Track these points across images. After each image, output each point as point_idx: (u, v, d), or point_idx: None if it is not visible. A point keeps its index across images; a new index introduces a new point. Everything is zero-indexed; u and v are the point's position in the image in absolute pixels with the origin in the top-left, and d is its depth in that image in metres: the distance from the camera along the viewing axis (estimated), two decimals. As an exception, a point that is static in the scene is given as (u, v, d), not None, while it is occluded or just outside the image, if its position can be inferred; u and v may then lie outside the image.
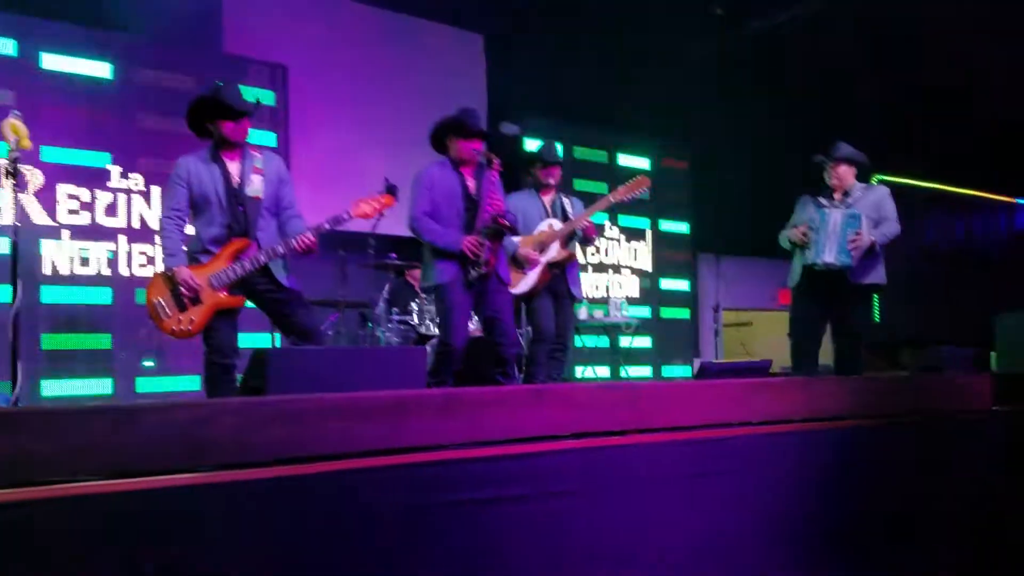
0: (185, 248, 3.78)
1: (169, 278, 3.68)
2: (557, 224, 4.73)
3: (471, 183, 4.18)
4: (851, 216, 4.55)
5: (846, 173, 4.77)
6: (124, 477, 1.80)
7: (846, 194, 4.77)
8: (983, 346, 4.06)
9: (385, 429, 2.09)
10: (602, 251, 8.29)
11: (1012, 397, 3.45)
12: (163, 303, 3.65)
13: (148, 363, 5.43)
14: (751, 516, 2.73)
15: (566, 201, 4.90)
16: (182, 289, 3.64)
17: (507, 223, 4.07)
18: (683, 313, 8.90)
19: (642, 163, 8.57)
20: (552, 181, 4.81)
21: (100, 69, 5.78)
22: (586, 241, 4.89)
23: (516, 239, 4.60)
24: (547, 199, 4.83)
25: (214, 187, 3.77)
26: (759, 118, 8.18)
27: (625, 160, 8.51)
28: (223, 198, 3.77)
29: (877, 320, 10.51)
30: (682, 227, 8.88)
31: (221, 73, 5.82)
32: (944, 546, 3.15)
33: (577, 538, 2.37)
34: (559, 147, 5.06)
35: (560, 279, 4.72)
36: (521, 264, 4.61)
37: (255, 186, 3.81)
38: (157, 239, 5.66)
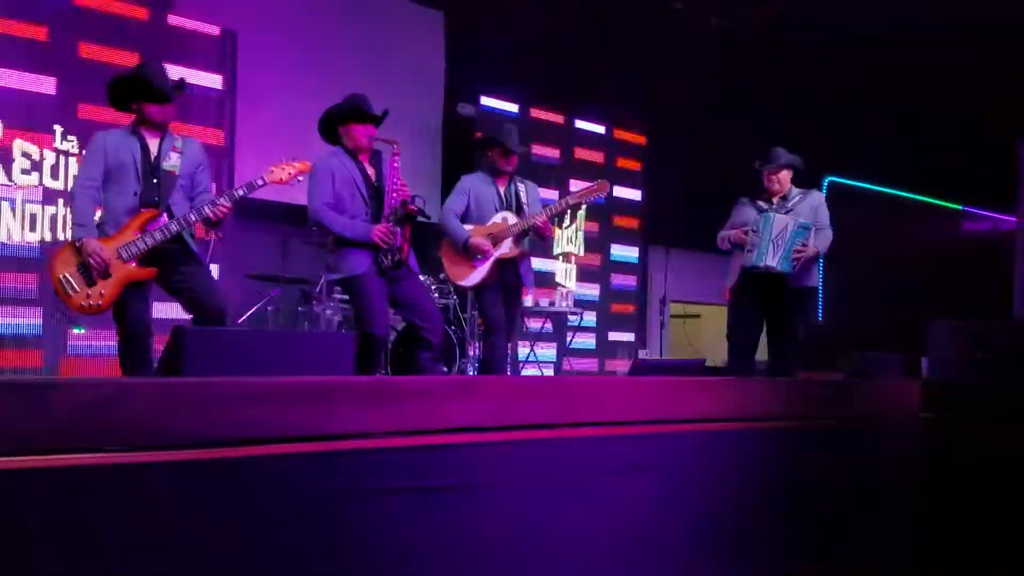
0: (96, 219, 3.65)
1: (77, 250, 3.53)
2: (512, 218, 4.61)
3: (370, 171, 4.11)
4: (802, 227, 4.63)
5: (785, 178, 4.87)
6: (31, 455, 1.74)
7: (784, 198, 4.86)
8: (919, 352, 4.13)
9: (308, 415, 2.05)
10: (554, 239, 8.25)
11: (939, 405, 3.52)
12: (69, 278, 3.51)
13: (77, 329, 5.28)
14: (678, 512, 2.75)
15: (521, 187, 4.78)
16: (91, 261, 3.49)
17: (416, 208, 4.04)
18: (630, 305, 8.93)
19: (599, 128, 8.56)
20: (510, 169, 4.71)
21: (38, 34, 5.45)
22: (540, 239, 4.80)
23: (468, 227, 4.53)
24: (502, 186, 4.71)
25: (132, 156, 3.67)
26: (716, 114, 8.24)
27: (581, 123, 8.47)
28: (139, 168, 3.67)
29: (819, 320, 10.75)
30: (633, 223, 8.88)
31: (167, 41, 5.67)
32: (866, 547, 3.22)
33: (501, 530, 2.37)
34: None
35: (511, 270, 4.63)
36: (471, 255, 4.52)
37: (172, 161, 3.73)
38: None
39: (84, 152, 3.67)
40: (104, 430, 1.84)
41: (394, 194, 4.00)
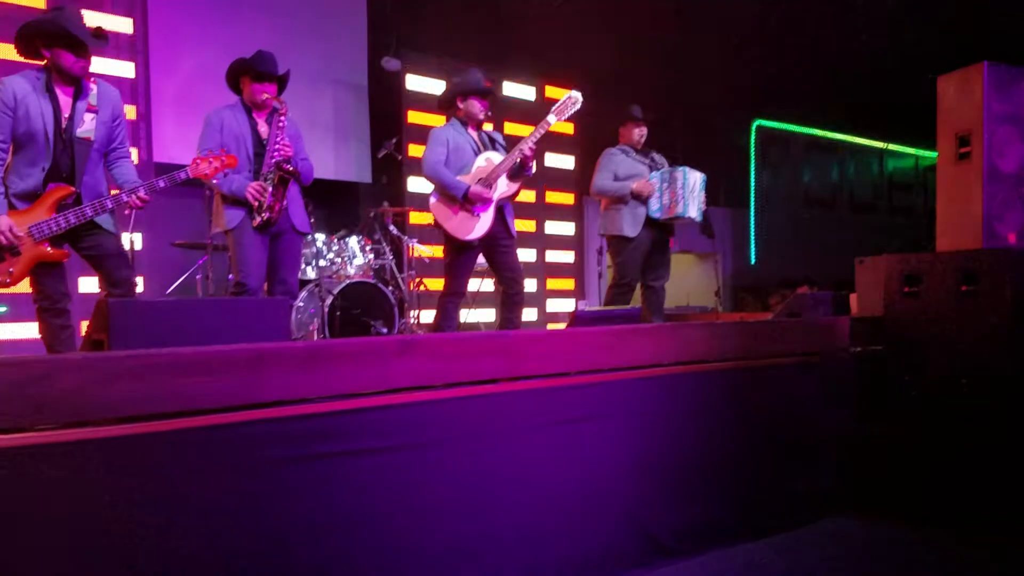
0: (3, 189, 3.41)
1: None
2: (496, 157, 4.46)
3: (263, 128, 4.03)
4: (704, 179, 5.07)
5: (645, 130, 5.32)
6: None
7: (645, 148, 5.31)
8: (848, 289, 4.24)
9: (241, 383, 2.00)
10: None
11: (867, 339, 3.63)
12: None
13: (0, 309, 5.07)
14: (624, 459, 2.79)
15: (491, 133, 4.67)
16: (1, 239, 3.32)
17: (291, 168, 3.95)
18: (568, 256, 8.97)
19: (528, 92, 8.46)
20: (486, 117, 4.56)
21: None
22: (523, 170, 4.47)
23: (465, 179, 4.39)
24: (475, 133, 4.56)
25: (42, 123, 3.44)
26: (648, 63, 8.23)
27: (510, 90, 8.37)
28: (51, 137, 3.45)
29: (751, 262, 10.97)
30: (568, 163, 8.85)
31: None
32: (805, 478, 3.32)
33: (450, 487, 2.36)
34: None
35: (498, 221, 4.46)
36: (471, 205, 4.36)
37: (87, 126, 3.54)
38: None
39: None
40: (33, 409, 1.78)
41: (275, 153, 3.93)
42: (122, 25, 5.82)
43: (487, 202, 4.39)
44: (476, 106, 4.53)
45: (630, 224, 5.07)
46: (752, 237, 11.08)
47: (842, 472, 3.44)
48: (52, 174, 3.47)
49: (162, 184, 3.51)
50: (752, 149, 11.20)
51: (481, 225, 4.38)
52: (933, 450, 3.30)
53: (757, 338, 3.26)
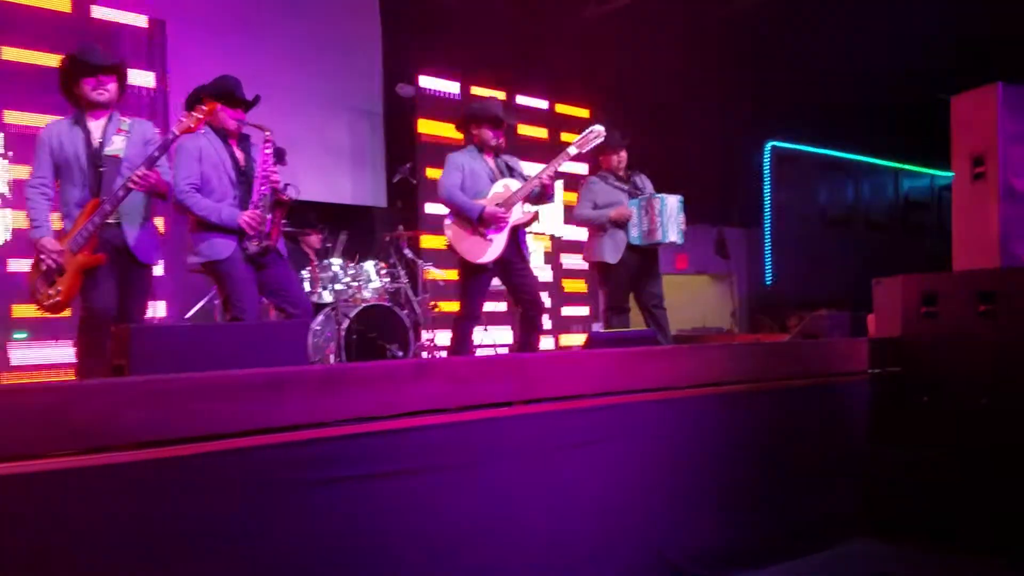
0: (53, 215, 3.70)
1: (39, 252, 3.62)
2: (514, 184, 4.51)
3: (239, 154, 3.97)
4: (681, 201, 5.16)
5: (624, 156, 5.35)
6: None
7: (628, 174, 5.36)
8: (866, 310, 4.21)
9: (259, 408, 2.02)
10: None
11: (885, 360, 3.60)
12: (36, 283, 3.60)
13: (19, 335, 5.13)
14: (639, 482, 2.77)
15: (506, 158, 4.70)
16: (46, 262, 3.56)
17: (288, 196, 3.93)
18: (581, 280, 8.96)
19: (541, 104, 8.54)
20: (501, 141, 4.62)
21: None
22: (542, 198, 4.58)
23: (481, 202, 4.42)
24: (491, 160, 4.62)
25: (75, 149, 3.69)
26: (659, 81, 8.27)
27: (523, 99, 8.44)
28: (84, 160, 3.68)
29: (768, 283, 10.93)
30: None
31: (92, 33, 5.52)
32: (822, 502, 3.29)
33: (464, 510, 2.36)
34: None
35: (511, 244, 4.50)
36: (485, 226, 4.39)
37: (116, 145, 3.74)
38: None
39: (35, 149, 3.74)
40: (54, 435, 1.80)
41: (264, 181, 3.89)
42: (144, 79, 5.96)
43: (501, 225, 4.41)
44: (488, 134, 4.58)
45: (611, 251, 5.15)
46: (767, 257, 11.05)
47: (860, 495, 3.41)
48: (92, 194, 3.68)
49: (157, 154, 3.63)
50: (766, 169, 11.19)
51: (494, 248, 4.41)
52: (952, 472, 3.26)
53: (774, 360, 3.25)
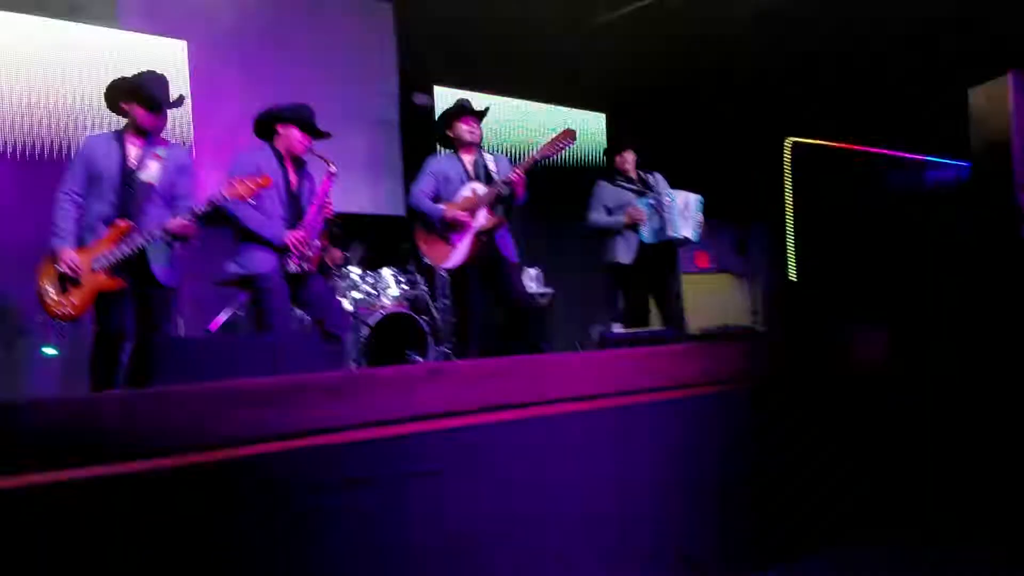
0: (77, 226, 3.72)
1: (55, 259, 3.64)
2: (481, 188, 4.42)
3: (293, 177, 4.06)
4: (700, 200, 5.14)
5: (632, 158, 5.39)
6: (4, 475, 1.74)
7: (638, 176, 5.37)
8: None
9: (274, 414, 2.06)
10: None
11: (904, 357, 3.58)
12: (47, 287, 3.63)
13: (50, 351, 5.21)
14: (657, 480, 2.77)
15: (489, 159, 4.60)
16: (63, 269, 3.60)
17: (337, 231, 4.11)
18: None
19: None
20: (473, 138, 4.54)
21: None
22: (513, 199, 4.43)
23: (441, 205, 4.40)
24: (468, 159, 4.55)
25: (107, 164, 3.74)
26: (670, 85, 8.26)
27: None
28: (115, 176, 3.74)
29: (792, 282, 10.83)
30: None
31: (116, 52, 5.63)
32: (833, 498, 3.27)
33: (483, 511, 2.38)
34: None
35: (489, 246, 4.42)
36: (448, 231, 4.36)
37: (150, 172, 3.79)
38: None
39: (72, 159, 3.82)
40: (77, 446, 1.85)
41: (320, 211, 3.99)
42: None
43: (464, 229, 4.39)
44: (461, 128, 4.55)
45: (624, 251, 5.18)
46: (791, 255, 10.95)
47: (868, 492, 3.37)
48: (117, 213, 3.72)
49: (202, 208, 3.69)
50: (788, 166, 11.10)
51: (457, 253, 4.39)
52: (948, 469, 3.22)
53: (786, 357, 3.25)
